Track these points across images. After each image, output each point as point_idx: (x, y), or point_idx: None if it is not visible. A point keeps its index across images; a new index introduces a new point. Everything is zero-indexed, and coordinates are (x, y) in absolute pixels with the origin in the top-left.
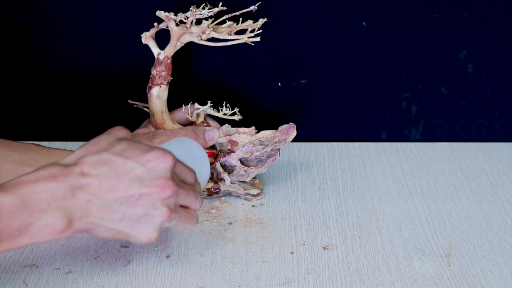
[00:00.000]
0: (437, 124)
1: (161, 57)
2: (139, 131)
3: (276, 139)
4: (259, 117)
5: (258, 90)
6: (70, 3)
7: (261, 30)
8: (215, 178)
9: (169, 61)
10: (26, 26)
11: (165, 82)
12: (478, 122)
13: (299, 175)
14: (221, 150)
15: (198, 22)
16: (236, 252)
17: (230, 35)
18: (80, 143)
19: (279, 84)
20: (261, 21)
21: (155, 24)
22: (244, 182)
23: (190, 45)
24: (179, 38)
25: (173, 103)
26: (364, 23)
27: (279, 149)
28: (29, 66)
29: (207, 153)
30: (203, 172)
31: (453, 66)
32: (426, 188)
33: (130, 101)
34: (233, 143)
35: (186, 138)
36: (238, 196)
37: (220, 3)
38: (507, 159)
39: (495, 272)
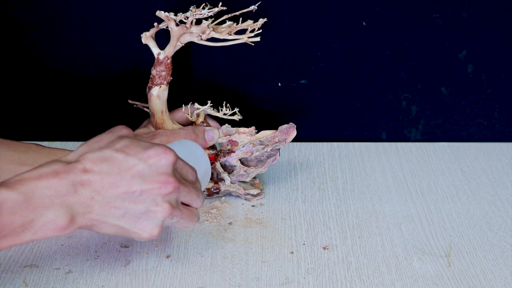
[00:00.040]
0: (437, 124)
1: (161, 57)
2: (139, 131)
3: (276, 139)
4: (259, 117)
5: (258, 90)
6: (70, 3)
7: (261, 30)
8: (215, 178)
9: (169, 61)
10: (26, 26)
11: (165, 82)
12: (478, 122)
13: (299, 175)
14: (221, 150)
15: (198, 22)
16: (236, 252)
17: (230, 35)
18: (80, 143)
19: (279, 84)
20: (261, 21)
21: (155, 24)
22: (244, 182)
23: (190, 45)
24: (179, 38)
25: (173, 103)
26: (364, 23)
27: (279, 149)
28: (29, 66)
29: (208, 156)
30: (204, 173)
31: (453, 66)
32: (426, 188)
33: (130, 101)
34: (233, 143)
35: (187, 140)
36: (238, 196)
37: (220, 3)
38: (507, 159)
39: (495, 272)
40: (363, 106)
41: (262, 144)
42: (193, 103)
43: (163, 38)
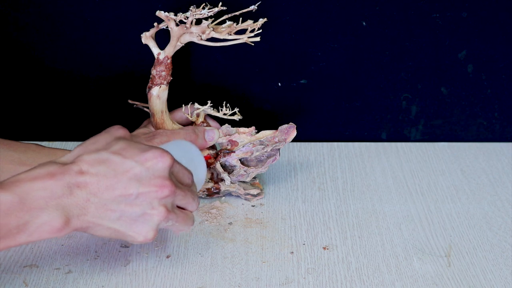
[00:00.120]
0: (437, 124)
1: (161, 57)
2: (139, 131)
3: (276, 139)
4: (259, 117)
5: (258, 90)
6: (70, 3)
7: (261, 30)
8: (215, 178)
9: (169, 61)
10: (26, 26)
11: (165, 82)
12: (478, 122)
13: (299, 175)
14: (221, 150)
15: (198, 22)
16: (236, 252)
17: (230, 35)
18: (80, 143)
19: (279, 84)
20: (261, 21)
21: (155, 24)
22: (244, 182)
23: (190, 45)
24: (179, 38)
25: (173, 103)
26: (364, 23)
27: (279, 149)
28: (29, 66)
29: (206, 155)
30: (199, 175)
31: (453, 66)
32: (426, 188)
33: (130, 101)
34: (233, 143)
35: (183, 140)
36: (238, 196)
37: (220, 3)
38: (507, 159)
39: (495, 272)
40: (363, 106)
41: (262, 144)
42: (193, 103)
43: (163, 38)
